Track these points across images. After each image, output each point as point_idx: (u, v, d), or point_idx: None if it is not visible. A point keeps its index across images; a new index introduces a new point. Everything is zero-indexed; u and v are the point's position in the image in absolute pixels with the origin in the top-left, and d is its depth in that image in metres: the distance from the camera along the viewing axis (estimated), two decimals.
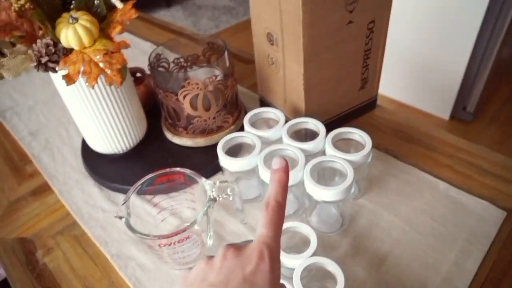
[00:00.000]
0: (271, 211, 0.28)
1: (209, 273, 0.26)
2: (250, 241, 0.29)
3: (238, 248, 0.27)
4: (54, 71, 0.50)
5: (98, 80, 0.55)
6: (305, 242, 0.47)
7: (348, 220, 0.55)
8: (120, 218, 0.46)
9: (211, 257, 0.28)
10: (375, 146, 0.66)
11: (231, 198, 0.47)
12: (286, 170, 0.30)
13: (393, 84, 1.78)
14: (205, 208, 0.45)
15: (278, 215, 0.28)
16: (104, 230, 0.59)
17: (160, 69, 0.64)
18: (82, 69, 0.47)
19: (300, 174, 0.49)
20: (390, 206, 0.57)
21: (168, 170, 0.50)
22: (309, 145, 0.52)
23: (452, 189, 0.58)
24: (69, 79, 0.48)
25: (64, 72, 0.48)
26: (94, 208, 0.63)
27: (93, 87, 0.49)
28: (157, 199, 0.54)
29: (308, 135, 0.57)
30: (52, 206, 0.65)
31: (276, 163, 0.30)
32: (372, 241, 0.53)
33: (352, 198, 0.57)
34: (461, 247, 0.51)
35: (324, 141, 0.53)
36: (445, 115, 1.79)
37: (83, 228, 0.60)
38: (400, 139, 0.68)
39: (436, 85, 1.70)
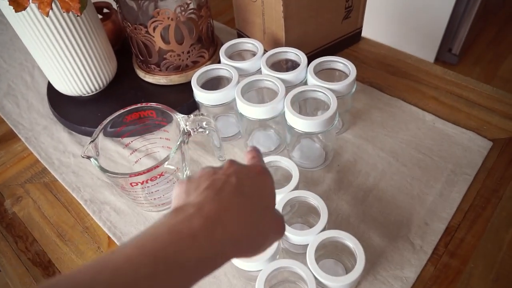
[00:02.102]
0: (254, 152, 0.33)
1: (217, 173, 0.29)
2: None
3: (240, 163, 0.31)
4: None
5: (56, 10, 0.50)
6: (287, 178, 0.45)
7: (332, 155, 0.53)
8: (88, 158, 0.43)
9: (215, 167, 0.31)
10: (359, 79, 0.63)
11: (207, 132, 0.44)
12: (257, 150, 0.34)
13: (376, 25, 1.72)
14: (178, 143, 0.41)
15: (260, 157, 0.33)
16: (76, 176, 0.56)
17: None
18: None
19: (280, 106, 0.46)
20: (375, 139, 0.55)
21: (138, 106, 0.46)
22: (289, 75, 0.49)
23: (438, 121, 0.56)
24: (18, 5, 0.42)
25: None
26: (64, 153, 0.59)
27: (47, 15, 0.44)
28: (130, 140, 0.51)
29: (289, 69, 0.53)
30: (19, 154, 0.61)
31: (249, 148, 0.34)
32: (356, 175, 0.51)
33: (336, 132, 0.55)
34: (446, 178, 0.50)
35: (305, 71, 0.50)
36: (430, 58, 1.75)
37: (53, 175, 0.57)
38: (385, 72, 0.64)
39: (422, 26, 1.65)
